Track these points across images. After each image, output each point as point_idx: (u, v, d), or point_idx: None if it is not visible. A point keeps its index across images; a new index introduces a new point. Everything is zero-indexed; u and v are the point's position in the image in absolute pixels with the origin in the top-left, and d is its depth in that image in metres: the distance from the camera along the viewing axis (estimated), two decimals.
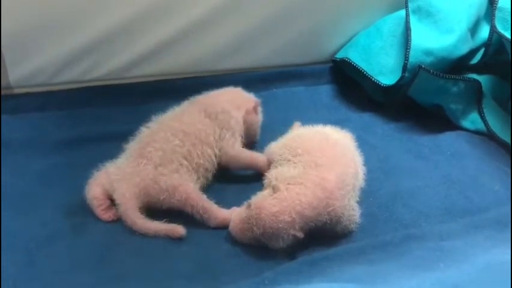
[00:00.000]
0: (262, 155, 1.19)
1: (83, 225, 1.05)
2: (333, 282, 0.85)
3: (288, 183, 1.01)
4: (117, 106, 1.37)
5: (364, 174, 1.13)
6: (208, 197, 1.08)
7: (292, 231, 0.97)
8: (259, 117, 1.27)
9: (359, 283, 0.82)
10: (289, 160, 1.10)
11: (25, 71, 1.36)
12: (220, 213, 1.06)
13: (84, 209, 1.08)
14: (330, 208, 0.99)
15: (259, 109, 1.27)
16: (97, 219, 1.06)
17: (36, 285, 0.93)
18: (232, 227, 1.03)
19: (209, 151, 1.14)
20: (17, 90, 1.38)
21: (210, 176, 1.16)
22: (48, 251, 0.99)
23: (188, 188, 1.07)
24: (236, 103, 1.22)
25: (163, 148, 1.09)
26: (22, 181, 1.14)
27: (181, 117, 1.17)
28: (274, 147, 1.18)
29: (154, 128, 1.15)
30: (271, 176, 1.10)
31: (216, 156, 1.16)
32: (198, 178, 1.12)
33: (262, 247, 1.00)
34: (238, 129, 1.20)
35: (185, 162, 1.10)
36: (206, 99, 1.23)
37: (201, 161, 1.12)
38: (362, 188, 1.12)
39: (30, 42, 1.33)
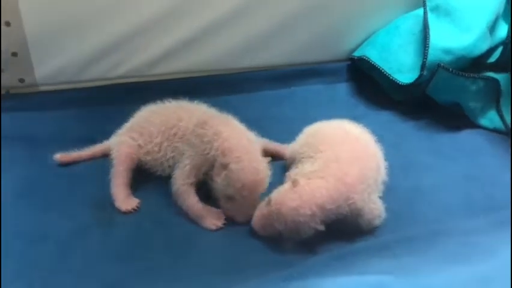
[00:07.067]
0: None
1: (111, 220, 1.08)
2: (359, 275, 0.87)
3: (309, 178, 1.02)
4: (139, 103, 1.38)
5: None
6: None
7: (313, 224, 0.98)
8: (220, 180, 1.06)
9: (387, 276, 0.83)
10: (311, 157, 1.11)
11: (51, 68, 1.39)
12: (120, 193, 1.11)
13: (111, 204, 1.10)
14: (351, 201, 1.00)
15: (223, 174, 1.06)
16: (124, 213, 1.09)
17: (68, 277, 0.95)
18: (254, 223, 1.04)
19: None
20: (42, 88, 1.40)
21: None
22: (78, 244, 1.02)
23: (124, 148, 1.15)
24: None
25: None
26: (49, 176, 1.16)
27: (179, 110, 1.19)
28: (296, 145, 1.20)
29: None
30: (292, 173, 1.11)
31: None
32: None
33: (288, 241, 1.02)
34: (198, 162, 1.10)
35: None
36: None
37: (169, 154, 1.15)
38: (384, 182, 1.13)
39: (55, 41, 1.35)
